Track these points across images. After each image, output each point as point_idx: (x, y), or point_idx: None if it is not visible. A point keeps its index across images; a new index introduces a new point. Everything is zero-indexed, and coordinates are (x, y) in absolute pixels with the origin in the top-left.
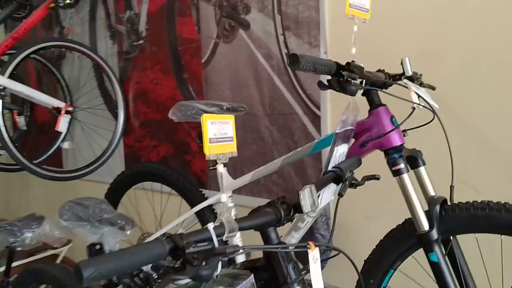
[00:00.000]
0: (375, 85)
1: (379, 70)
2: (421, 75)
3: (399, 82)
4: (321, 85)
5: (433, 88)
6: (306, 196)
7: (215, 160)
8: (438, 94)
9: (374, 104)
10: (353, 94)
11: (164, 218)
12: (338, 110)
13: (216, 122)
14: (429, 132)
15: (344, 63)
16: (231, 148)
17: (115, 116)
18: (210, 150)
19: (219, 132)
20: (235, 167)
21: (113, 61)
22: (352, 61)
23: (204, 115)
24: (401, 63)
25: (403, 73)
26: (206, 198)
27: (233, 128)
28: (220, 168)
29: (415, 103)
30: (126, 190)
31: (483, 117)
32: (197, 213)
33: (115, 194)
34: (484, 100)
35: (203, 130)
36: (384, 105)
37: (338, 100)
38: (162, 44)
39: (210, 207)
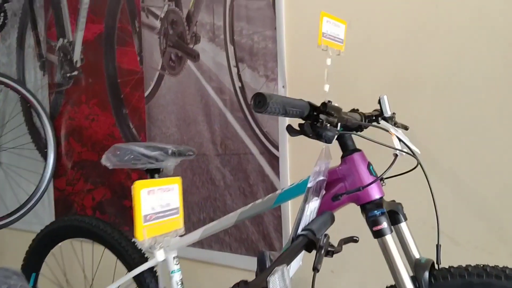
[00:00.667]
0: (349, 128)
1: (353, 110)
2: (394, 114)
3: (377, 123)
4: (291, 131)
5: (406, 128)
6: (276, 283)
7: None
8: (411, 134)
9: (348, 149)
10: (330, 141)
11: (97, 279)
12: (298, 151)
13: (155, 191)
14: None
15: (316, 103)
16: (176, 224)
17: (45, 156)
18: (144, 233)
19: (159, 204)
20: None
21: (43, 94)
22: (329, 101)
23: (137, 182)
24: (379, 102)
25: (381, 113)
26: (146, 259)
27: (179, 194)
28: (160, 256)
29: (397, 149)
30: (51, 248)
31: (459, 159)
32: (135, 277)
33: (37, 252)
34: (459, 141)
35: (135, 204)
36: (359, 150)
37: (298, 139)
38: (99, 75)
39: (151, 270)
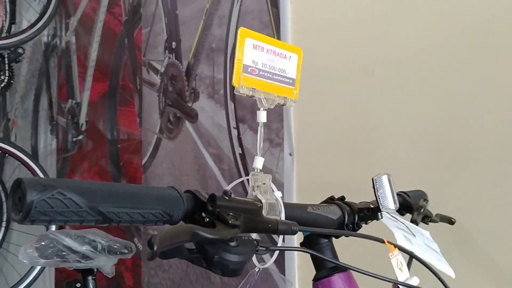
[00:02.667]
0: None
1: (331, 199)
2: (426, 201)
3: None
4: (152, 246)
5: (451, 222)
6: None
7: None
8: (458, 229)
9: (324, 267)
10: (233, 273)
11: None
12: None
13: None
14: None
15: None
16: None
17: None
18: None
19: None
20: None
21: (51, 161)
22: (226, 191)
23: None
24: (373, 186)
25: (377, 207)
26: None
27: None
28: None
29: (399, 283)
30: None
31: None
32: None
33: None
34: None
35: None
36: (344, 270)
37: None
38: (101, 140)
39: None
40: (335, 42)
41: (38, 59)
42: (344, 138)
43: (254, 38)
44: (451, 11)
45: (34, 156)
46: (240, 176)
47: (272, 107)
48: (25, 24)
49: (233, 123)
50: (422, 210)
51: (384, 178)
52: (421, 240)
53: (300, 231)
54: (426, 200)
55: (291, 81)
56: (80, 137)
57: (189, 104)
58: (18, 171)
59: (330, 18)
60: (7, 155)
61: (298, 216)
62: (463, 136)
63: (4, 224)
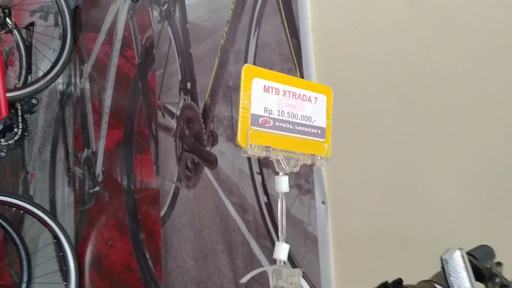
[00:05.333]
0: None
1: (385, 286)
2: (499, 265)
3: None
4: None
5: None
6: None
7: None
8: None
9: None
10: None
11: None
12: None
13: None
14: None
15: None
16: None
17: None
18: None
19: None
20: None
21: (69, 214)
22: None
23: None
24: (443, 268)
25: None
26: None
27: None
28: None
29: None
30: None
31: None
32: None
33: None
34: None
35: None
36: None
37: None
38: (118, 191)
39: None
40: (367, 72)
41: (54, 108)
42: (383, 180)
43: (265, 77)
44: (498, 31)
45: (52, 211)
46: (267, 229)
47: (296, 170)
48: (40, 74)
49: (256, 168)
50: (497, 280)
51: (458, 256)
52: None
53: None
54: (499, 263)
55: (319, 132)
56: (97, 188)
57: (208, 148)
58: (37, 228)
59: (359, 45)
60: (22, 211)
61: None
62: None
63: (25, 280)
